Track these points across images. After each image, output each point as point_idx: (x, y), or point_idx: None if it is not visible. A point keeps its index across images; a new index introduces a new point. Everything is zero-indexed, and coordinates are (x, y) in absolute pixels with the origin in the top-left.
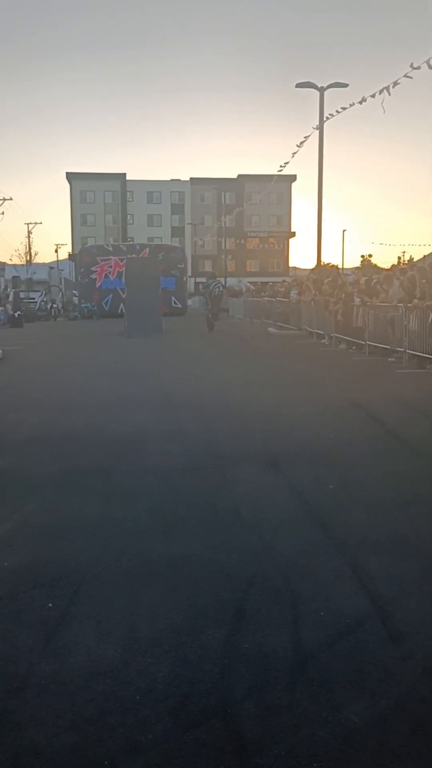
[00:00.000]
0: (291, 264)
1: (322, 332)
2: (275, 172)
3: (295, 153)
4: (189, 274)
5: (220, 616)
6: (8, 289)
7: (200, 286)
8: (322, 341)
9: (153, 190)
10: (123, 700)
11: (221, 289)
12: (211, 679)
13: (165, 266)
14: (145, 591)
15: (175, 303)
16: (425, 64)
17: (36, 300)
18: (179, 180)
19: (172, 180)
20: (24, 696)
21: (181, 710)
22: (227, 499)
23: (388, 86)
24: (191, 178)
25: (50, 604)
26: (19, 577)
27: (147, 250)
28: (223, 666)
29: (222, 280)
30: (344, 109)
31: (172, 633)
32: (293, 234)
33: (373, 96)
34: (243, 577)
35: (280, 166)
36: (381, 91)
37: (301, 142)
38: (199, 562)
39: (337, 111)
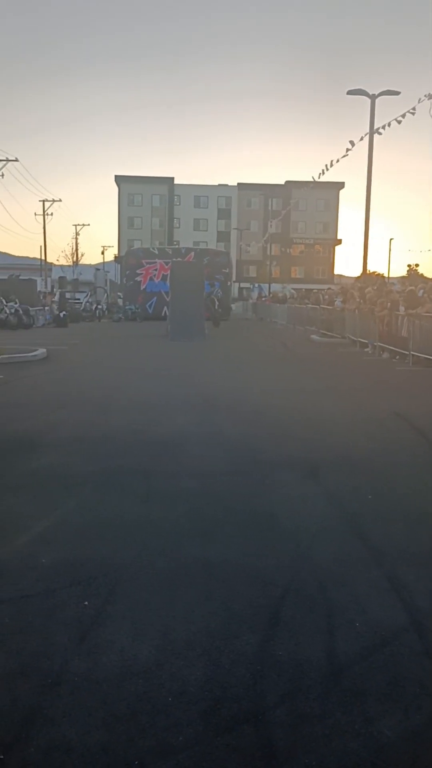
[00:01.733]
0: (336, 271)
1: (365, 341)
2: (320, 178)
3: (338, 160)
4: (233, 279)
5: (255, 622)
6: (54, 289)
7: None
8: (366, 350)
9: (200, 194)
10: (155, 702)
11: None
12: (243, 685)
13: (210, 271)
14: (181, 593)
15: (218, 308)
16: None
17: (81, 301)
18: (226, 185)
19: (219, 185)
20: (57, 692)
21: (213, 714)
22: (265, 504)
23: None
24: (239, 184)
25: (86, 603)
26: (57, 574)
27: (192, 254)
28: (256, 672)
29: (265, 286)
30: (400, 119)
31: (206, 637)
32: (339, 241)
33: (420, 101)
34: (279, 583)
35: (321, 172)
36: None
37: (347, 150)
38: (235, 567)
39: (389, 124)
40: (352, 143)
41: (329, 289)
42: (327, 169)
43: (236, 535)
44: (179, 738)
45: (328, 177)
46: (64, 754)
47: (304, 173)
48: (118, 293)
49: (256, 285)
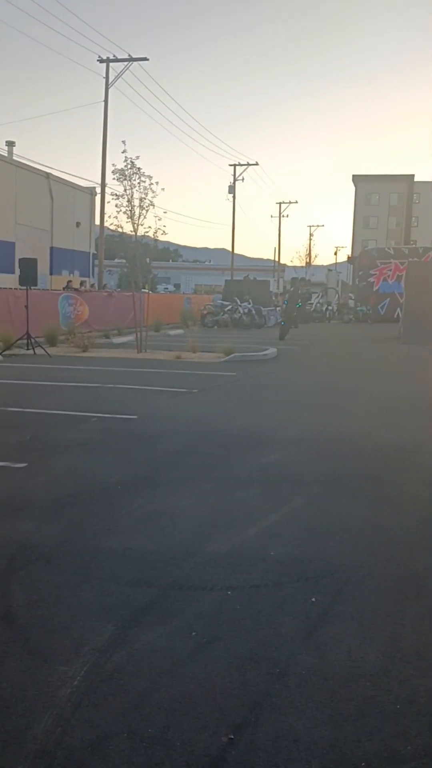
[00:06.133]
0: None
1: None
2: None
3: None
4: None
5: None
6: (286, 289)
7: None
8: None
9: None
10: (383, 706)
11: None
12: None
13: None
14: (410, 602)
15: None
16: None
17: (312, 302)
18: None
19: None
20: (285, 682)
21: None
22: None
23: None
24: None
25: (313, 599)
26: (285, 568)
27: (431, 254)
28: None
29: None
30: None
31: None
32: None
33: None
34: None
35: None
36: None
37: None
38: None
39: None
40: None
41: None
42: None
43: None
44: (407, 747)
45: None
46: (291, 743)
47: None
48: (350, 294)
49: None
